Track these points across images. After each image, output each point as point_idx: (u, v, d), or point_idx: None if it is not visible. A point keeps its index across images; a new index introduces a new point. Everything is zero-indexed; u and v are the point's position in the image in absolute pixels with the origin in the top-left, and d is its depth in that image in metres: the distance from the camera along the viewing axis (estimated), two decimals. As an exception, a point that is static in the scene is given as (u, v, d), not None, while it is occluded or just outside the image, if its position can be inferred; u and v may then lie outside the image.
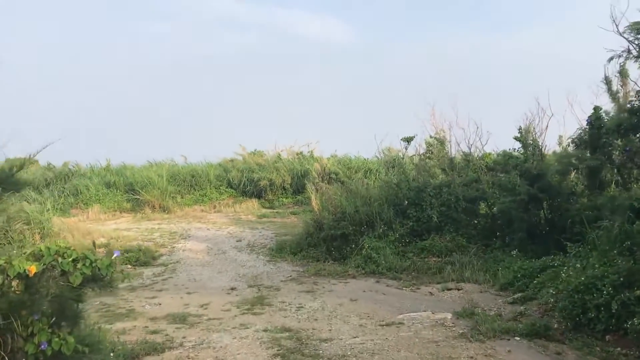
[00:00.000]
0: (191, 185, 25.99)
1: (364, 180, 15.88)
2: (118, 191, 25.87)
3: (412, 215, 12.99)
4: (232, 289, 10.80)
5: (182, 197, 25.21)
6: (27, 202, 17.63)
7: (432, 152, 15.66)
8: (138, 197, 24.33)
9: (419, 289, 10.33)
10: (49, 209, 15.64)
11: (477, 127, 13.56)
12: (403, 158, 14.99)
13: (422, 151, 17.35)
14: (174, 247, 15.68)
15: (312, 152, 28.45)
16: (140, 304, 9.81)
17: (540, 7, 54.92)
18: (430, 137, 14.08)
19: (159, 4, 62.09)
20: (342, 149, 27.93)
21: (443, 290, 10.06)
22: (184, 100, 53.82)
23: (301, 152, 28.27)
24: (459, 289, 10.11)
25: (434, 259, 12.18)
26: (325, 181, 22.50)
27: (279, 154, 27.84)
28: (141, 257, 14.11)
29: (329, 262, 12.80)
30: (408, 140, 14.13)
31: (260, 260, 13.65)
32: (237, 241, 16.27)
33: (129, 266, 13.74)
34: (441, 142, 13.78)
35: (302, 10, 62.99)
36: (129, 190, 25.30)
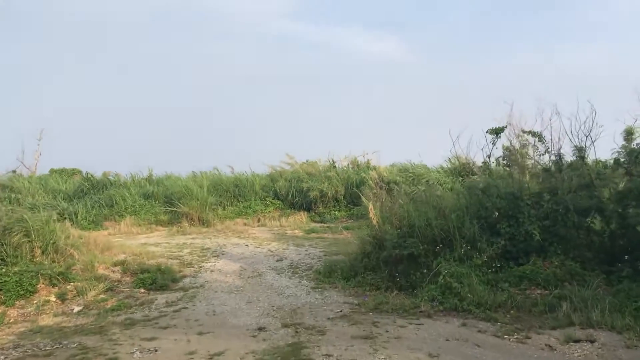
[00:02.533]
0: (234, 196, 23.48)
1: (435, 185, 12.69)
2: (156, 202, 23.67)
3: (505, 232, 9.72)
4: (260, 329, 7.86)
5: (223, 209, 22.71)
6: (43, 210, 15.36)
7: (519, 153, 12.32)
8: (175, 209, 21.92)
9: (528, 338, 7.05)
10: (55, 219, 13.19)
11: (587, 117, 10.10)
12: (486, 161, 11.56)
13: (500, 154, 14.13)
14: (201, 267, 12.93)
15: (368, 161, 25.41)
16: (130, 350, 7.01)
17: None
18: (524, 131, 10.73)
19: (220, 26, 61.64)
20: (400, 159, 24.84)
21: (567, 343, 6.77)
22: (239, 114, 52.85)
23: (356, 161, 25.27)
24: (591, 341, 6.79)
25: (539, 291, 8.88)
26: (384, 191, 19.41)
27: (332, 162, 24.92)
28: (159, 279, 11.42)
29: (392, 291, 9.68)
30: (497, 131, 10.86)
31: (303, 286, 10.67)
32: (277, 261, 13.37)
33: (142, 290, 11.09)
34: (539, 136, 10.43)
35: (361, 28, 61.38)
36: (167, 201, 22.97)
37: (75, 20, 59.40)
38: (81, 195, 25.01)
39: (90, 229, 21.10)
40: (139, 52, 61.81)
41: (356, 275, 10.69)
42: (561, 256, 9.40)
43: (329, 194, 21.60)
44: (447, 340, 7.06)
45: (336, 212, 21.45)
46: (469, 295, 8.59)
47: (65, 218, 21.85)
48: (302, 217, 21.39)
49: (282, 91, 57.32)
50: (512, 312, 8.26)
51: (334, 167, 24.65)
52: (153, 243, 16.90)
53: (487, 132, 11.11)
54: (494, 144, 11.05)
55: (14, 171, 32.45)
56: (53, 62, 60.31)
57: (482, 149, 11.81)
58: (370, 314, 8.52)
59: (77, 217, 21.97)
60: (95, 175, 27.90)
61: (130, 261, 13.02)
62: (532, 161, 10.83)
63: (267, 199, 23.34)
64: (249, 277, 11.68)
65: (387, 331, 7.50)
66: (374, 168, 22.94)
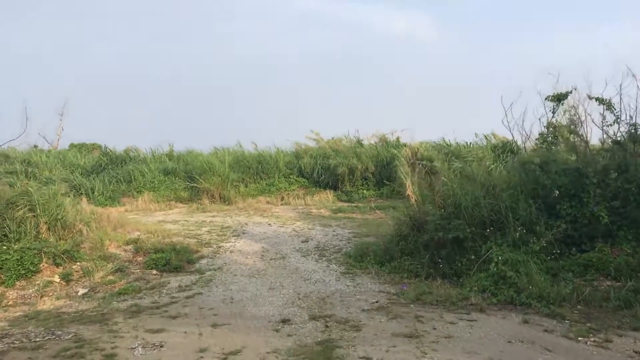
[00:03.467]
0: (257, 172, 22.36)
1: (483, 161, 11.37)
2: (176, 178, 22.72)
3: (566, 213, 8.40)
4: (284, 321, 6.73)
5: (245, 187, 21.66)
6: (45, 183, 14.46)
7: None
8: (196, 184, 20.92)
9: (609, 342, 5.79)
10: (64, 193, 12.24)
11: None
12: (543, 132, 10.06)
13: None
14: (220, 247, 11.87)
15: (398, 139, 24.03)
16: (132, 344, 5.95)
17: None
18: (590, 97, 9.27)
19: (244, 4, 60.37)
20: (430, 137, 23.42)
21: (660, 350, 5.51)
22: (262, 94, 51.76)
23: (385, 138, 23.93)
24: (692, 349, 5.52)
25: (608, 282, 7.59)
26: (416, 170, 18.11)
27: (359, 140, 23.63)
28: (173, 260, 10.39)
29: (434, 279, 8.49)
30: (559, 98, 9.43)
31: (332, 271, 9.52)
32: (302, 242, 12.24)
33: (154, 272, 10.09)
34: (607, 103, 8.99)
35: (385, 6, 59.44)
36: (187, 177, 21.98)
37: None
38: (99, 171, 24.18)
39: (107, 205, 20.26)
40: (161, 29, 60.82)
41: (392, 259, 9.50)
42: (633, 242, 8.06)
43: (358, 171, 20.33)
44: (510, 342, 5.83)
45: (364, 191, 20.22)
46: (528, 286, 7.34)
47: (81, 193, 21.11)
48: (328, 195, 20.22)
49: (307, 70, 55.92)
50: (579, 307, 7.00)
51: (361, 143, 23.34)
52: (170, 220, 15.93)
53: (546, 99, 9.70)
54: (554, 112, 9.64)
55: (35, 146, 31.93)
56: (77, 38, 59.63)
57: (539, 119, 10.41)
58: (412, 306, 7.32)
59: (93, 193, 21.17)
60: (115, 150, 27.11)
61: (144, 239, 12.04)
62: (600, 132, 9.42)
63: (291, 176, 22.20)
64: (271, 260, 10.58)
65: (434, 328, 6.31)
66: (405, 145, 21.58)
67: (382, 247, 9.85)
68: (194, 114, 48.46)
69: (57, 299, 8.52)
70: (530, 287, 7.28)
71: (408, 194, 9.50)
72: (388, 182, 20.03)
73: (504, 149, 18.63)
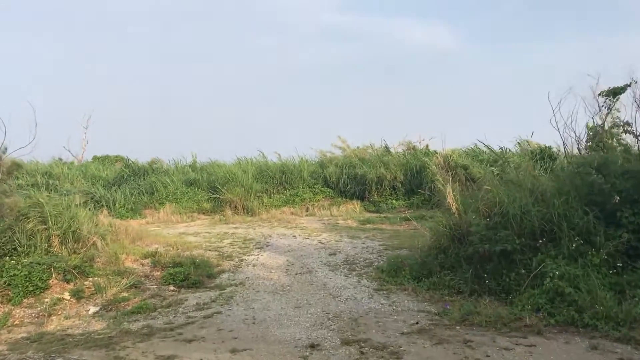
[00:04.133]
0: (281, 183, 21.64)
1: (529, 165, 10.43)
2: (199, 190, 22.12)
3: (628, 222, 7.42)
4: (313, 346, 5.90)
5: (269, 197, 20.96)
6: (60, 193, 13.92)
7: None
8: (219, 196, 20.29)
9: None
10: (78, 204, 11.63)
11: None
12: (598, 131, 9.08)
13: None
14: (242, 261, 11.11)
15: (427, 146, 23.13)
16: (138, 375, 5.19)
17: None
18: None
19: (268, 19, 60.34)
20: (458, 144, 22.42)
21: None
22: (286, 104, 51.40)
23: (412, 146, 23.04)
24: None
25: (684, 302, 6.59)
26: (450, 178, 17.16)
27: (386, 147, 22.78)
28: (192, 275, 9.67)
29: (480, 297, 7.58)
30: (615, 92, 8.43)
31: (364, 287, 8.67)
32: (330, 255, 11.41)
33: (171, 288, 9.37)
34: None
35: (406, 18, 58.87)
36: (210, 189, 21.37)
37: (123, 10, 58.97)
38: (121, 183, 23.71)
39: (128, 217, 19.77)
40: (186, 42, 61.00)
41: (430, 275, 8.61)
42: None
43: (387, 181, 19.45)
44: (581, 374, 4.92)
45: (393, 201, 19.32)
46: (590, 304, 6.39)
47: (102, 205, 20.66)
48: (355, 206, 19.38)
49: (330, 81, 55.44)
50: (655, 331, 6.03)
51: (389, 151, 22.48)
52: (192, 233, 15.25)
53: (600, 94, 8.74)
54: (609, 109, 8.66)
55: (59, 159, 31.78)
56: (100, 52, 60.11)
57: (592, 117, 9.46)
58: (458, 328, 6.43)
59: (114, 205, 20.70)
60: (137, 162, 26.71)
61: (162, 253, 11.36)
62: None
63: (316, 186, 21.43)
64: (297, 274, 9.78)
65: (487, 355, 5.42)
66: (435, 152, 20.66)
67: (418, 260, 8.97)
68: (217, 126, 48.14)
69: (66, 318, 7.85)
70: (596, 306, 6.32)
71: (448, 203, 8.62)
72: (419, 191, 19.16)
73: (542, 155, 17.63)
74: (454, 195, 8.67)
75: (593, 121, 9.07)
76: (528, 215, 7.77)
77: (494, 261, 7.83)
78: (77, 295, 8.82)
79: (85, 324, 7.42)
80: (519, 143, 21.62)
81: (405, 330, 6.34)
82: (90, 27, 59.45)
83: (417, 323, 6.63)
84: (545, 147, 18.02)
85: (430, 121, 52.70)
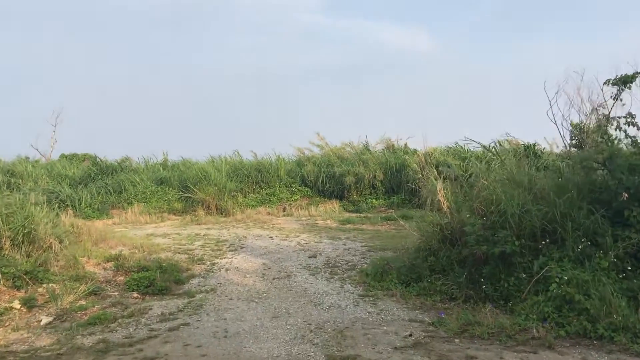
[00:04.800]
0: (257, 182, 20.81)
1: (523, 160, 9.81)
2: (170, 189, 21.14)
3: (636, 221, 6.79)
4: (294, 365, 5.12)
5: (244, 197, 20.12)
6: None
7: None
8: (190, 195, 19.33)
9: None
10: (33, 203, 10.61)
11: None
12: (603, 123, 8.42)
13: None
14: (214, 264, 10.26)
15: (406, 144, 22.49)
16: (87, 403, 4.33)
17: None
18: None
19: (248, 18, 59.24)
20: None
21: None
22: (263, 104, 50.46)
23: (392, 144, 22.38)
24: None
25: (703, 308, 5.97)
26: (432, 176, 16.54)
27: (366, 145, 22.08)
28: (158, 280, 8.79)
29: (476, 304, 6.89)
30: (625, 81, 7.75)
31: (348, 293, 7.90)
32: (310, 257, 10.62)
33: (135, 295, 8.49)
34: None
35: (389, 21, 58.53)
36: (182, 188, 20.39)
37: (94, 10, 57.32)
38: (88, 181, 22.58)
39: (94, 217, 18.73)
40: (167, 42, 59.59)
41: (419, 279, 7.89)
42: None
43: (366, 180, 18.74)
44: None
45: (373, 200, 18.62)
46: (603, 313, 5.73)
47: (67, 205, 19.56)
48: (334, 205, 18.63)
49: (309, 82, 54.67)
50: (676, 342, 5.39)
51: (368, 150, 21.79)
52: (161, 234, 14.32)
53: (605, 83, 8.09)
54: (616, 99, 8.01)
55: (26, 157, 30.38)
56: (70, 47, 58.32)
57: (595, 108, 8.89)
58: (457, 341, 5.71)
59: (80, 205, 19.61)
60: (106, 160, 25.55)
61: (127, 256, 10.45)
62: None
63: (293, 185, 20.63)
64: (274, 279, 8.97)
65: (495, 376, 4.70)
66: (415, 151, 20.05)
67: (406, 263, 8.24)
68: (191, 125, 46.95)
69: (14, 330, 6.93)
70: (611, 316, 5.66)
71: (438, 200, 7.91)
72: (398, 191, 18.52)
73: (527, 152, 17.09)
74: (444, 191, 7.96)
75: (579, 118, 8.60)
76: (528, 215, 7.09)
77: (490, 264, 7.14)
78: (29, 304, 7.87)
79: (33, 338, 6.51)
80: (499, 141, 21.12)
81: (399, 345, 5.59)
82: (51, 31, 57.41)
83: (410, 335, 5.89)
84: (530, 144, 17.49)
85: (408, 122, 52.41)
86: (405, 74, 54.46)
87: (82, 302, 8.03)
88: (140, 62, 57.55)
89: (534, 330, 5.73)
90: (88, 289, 8.42)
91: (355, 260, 10.10)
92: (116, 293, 8.60)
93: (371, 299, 7.52)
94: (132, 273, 9.36)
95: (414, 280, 7.95)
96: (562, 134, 9.30)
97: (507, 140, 20.91)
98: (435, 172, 16.67)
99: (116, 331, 6.48)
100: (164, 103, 52.64)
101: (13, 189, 20.14)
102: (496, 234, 7.03)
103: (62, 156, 31.40)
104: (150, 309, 7.53)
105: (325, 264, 9.98)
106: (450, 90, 48.37)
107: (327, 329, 6.23)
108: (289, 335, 6.02)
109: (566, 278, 6.22)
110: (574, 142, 12.76)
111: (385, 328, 6.18)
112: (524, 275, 6.80)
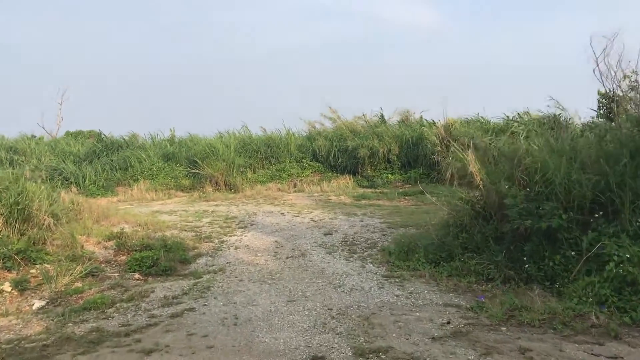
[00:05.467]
0: (266, 157, 19.96)
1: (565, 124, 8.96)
2: (178, 165, 20.38)
3: None
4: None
5: (254, 173, 19.30)
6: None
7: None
8: (198, 171, 18.57)
9: None
10: (30, 178, 9.90)
11: None
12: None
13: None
14: (222, 242, 9.53)
15: (421, 117, 21.50)
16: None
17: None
18: None
19: None
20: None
21: None
22: (266, 83, 49.41)
23: (408, 116, 21.42)
24: None
25: None
26: (452, 149, 15.64)
27: (382, 117, 21.14)
28: (162, 260, 8.07)
29: (518, 285, 6.09)
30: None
31: (371, 274, 7.12)
32: (325, 234, 9.85)
33: (137, 276, 7.78)
34: None
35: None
36: (190, 164, 19.62)
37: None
38: (93, 158, 21.85)
39: (98, 194, 18.06)
40: (161, 19, 58.43)
41: (450, 258, 7.09)
42: None
43: (380, 154, 17.85)
44: None
45: (389, 175, 17.75)
46: (677, 298, 4.91)
47: (71, 183, 18.92)
48: (347, 181, 17.79)
49: (312, 59, 53.37)
50: None
51: (384, 122, 20.85)
52: (167, 211, 13.61)
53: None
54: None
55: (33, 136, 29.78)
56: (78, 25, 57.35)
57: (627, 75, 7.99)
58: (504, 329, 4.91)
59: (84, 182, 18.93)
60: (112, 136, 24.82)
61: (129, 234, 9.73)
62: None
63: (304, 160, 19.78)
64: (288, 258, 8.21)
65: (560, 374, 3.91)
66: (433, 123, 19.10)
67: (435, 241, 7.42)
68: (200, 103, 46.10)
69: (3, 315, 6.27)
70: (685, 300, 4.85)
71: (470, 173, 7.06)
72: (414, 166, 17.66)
73: (551, 124, 16.16)
74: (476, 160, 7.11)
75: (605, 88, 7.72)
76: (579, 185, 6.24)
77: (533, 241, 6.32)
78: (20, 286, 7.19)
79: (22, 325, 5.81)
80: (518, 114, 20.15)
81: (436, 334, 4.80)
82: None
83: (448, 323, 5.10)
84: (554, 115, 16.53)
85: (421, 97, 51.29)
86: (412, 50, 53.11)
87: (78, 284, 7.34)
88: (149, 39, 56.57)
89: (593, 317, 4.92)
90: (85, 270, 7.71)
91: (375, 238, 9.31)
92: (116, 274, 7.89)
93: (397, 280, 6.74)
94: (134, 252, 8.64)
95: (444, 260, 7.15)
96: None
97: (527, 113, 19.99)
98: (460, 145, 15.81)
99: (112, 318, 5.76)
100: (172, 81, 51.77)
101: (15, 166, 19.56)
102: (541, 207, 6.19)
103: (68, 133, 30.73)
104: (153, 291, 6.81)
105: (342, 241, 9.20)
106: (461, 67, 46.87)
107: (350, 315, 5.46)
108: (307, 323, 5.26)
109: (627, 256, 5.39)
110: (601, 112, 11.90)
111: (417, 314, 5.40)
112: (572, 253, 5.98)
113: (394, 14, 56.22)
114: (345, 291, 6.34)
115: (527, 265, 6.22)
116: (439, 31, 53.48)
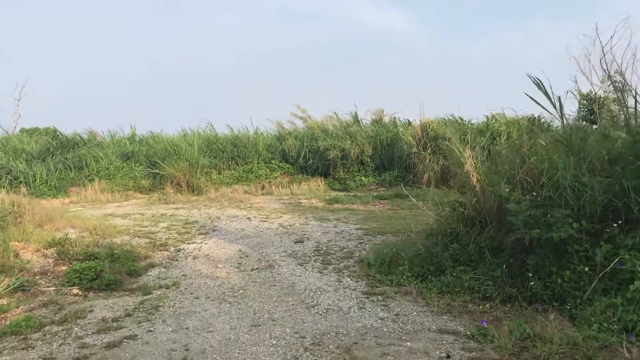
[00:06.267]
0: (232, 157, 18.92)
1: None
2: (137, 165, 19.13)
3: None
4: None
5: (219, 174, 18.25)
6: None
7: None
8: (158, 171, 17.39)
9: None
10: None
11: None
12: None
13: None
14: (179, 251, 8.45)
15: (394, 118, 20.70)
16: None
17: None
18: None
19: None
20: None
21: None
22: (237, 84, 48.14)
23: (381, 116, 20.60)
24: None
25: None
26: (429, 150, 14.88)
27: (355, 116, 20.26)
28: (106, 271, 6.96)
29: (521, 305, 5.21)
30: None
31: (349, 290, 6.15)
32: (295, 242, 8.86)
33: (75, 291, 6.65)
34: None
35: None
36: (150, 164, 18.41)
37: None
38: (46, 156, 20.41)
39: (49, 195, 16.76)
40: (131, 16, 56.58)
41: (440, 271, 6.18)
42: None
43: (353, 155, 16.96)
44: None
45: (362, 178, 16.88)
46: None
47: (20, 182, 17.54)
48: (318, 183, 16.86)
49: (282, 61, 52.36)
50: None
51: (358, 121, 19.97)
52: (121, 214, 12.43)
53: None
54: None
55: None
56: (37, 21, 55.04)
57: (610, 75, 7.26)
58: (519, 366, 4.01)
59: (34, 182, 17.54)
60: (66, 133, 23.37)
61: (74, 240, 8.56)
62: None
63: (273, 161, 18.78)
64: (253, 270, 7.19)
65: None
66: (409, 123, 18.31)
67: (421, 251, 6.50)
68: (165, 103, 44.57)
69: None
70: None
71: (467, 171, 6.16)
72: (389, 168, 16.82)
73: (533, 125, 15.53)
74: (473, 160, 6.21)
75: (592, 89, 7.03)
76: (589, 188, 5.39)
77: (537, 253, 5.44)
78: None
79: None
80: (494, 115, 19.54)
81: (436, 374, 3.86)
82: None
83: (448, 357, 4.16)
84: (534, 116, 15.90)
85: (392, 99, 50.76)
86: (381, 52, 52.58)
87: (4, 301, 6.18)
88: (115, 39, 54.71)
89: (623, 349, 4.04)
90: (14, 284, 6.54)
91: (351, 246, 8.35)
92: (52, 288, 6.76)
93: (380, 298, 5.79)
94: (76, 262, 7.50)
95: (432, 274, 6.24)
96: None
97: (502, 115, 19.38)
98: (431, 147, 15.02)
99: (34, 348, 4.64)
100: (137, 79, 50.04)
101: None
102: (549, 214, 5.32)
103: (23, 130, 29.07)
104: (91, 311, 5.71)
105: (315, 250, 8.22)
106: (430, 69, 46.50)
107: (327, 345, 4.47)
108: (275, 357, 4.25)
109: (650, 271, 4.55)
110: (582, 114, 11.33)
111: (409, 344, 4.44)
112: (586, 269, 5.11)
113: (366, 16, 55.57)
114: (320, 312, 5.36)
115: (532, 283, 5.34)
116: (410, 34, 53.09)
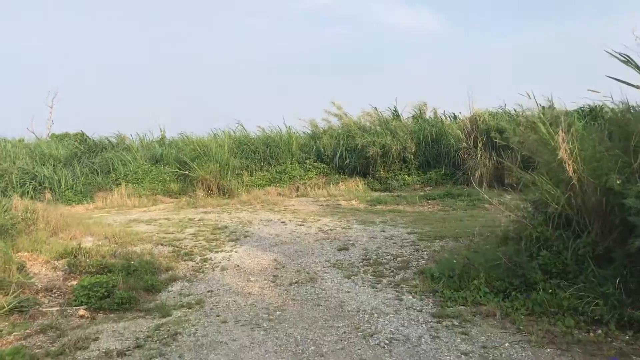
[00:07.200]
0: (265, 158, 17.82)
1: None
2: (166, 168, 18.20)
3: None
4: None
5: (250, 175, 17.16)
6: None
7: None
8: (188, 173, 16.42)
9: None
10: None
11: None
12: None
13: None
14: (206, 261, 7.33)
15: (436, 112, 19.30)
16: None
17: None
18: None
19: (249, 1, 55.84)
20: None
21: None
22: (269, 90, 47.32)
23: (423, 112, 19.22)
24: None
25: None
26: (480, 145, 13.50)
27: (395, 111, 18.93)
28: (120, 287, 5.88)
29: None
30: None
31: (414, 311, 4.91)
32: (339, 250, 7.65)
33: (82, 311, 5.58)
34: None
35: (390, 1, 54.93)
36: (180, 166, 17.47)
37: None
38: (74, 161, 19.68)
39: (75, 201, 15.91)
40: (165, 26, 56.33)
41: (527, 286, 4.89)
42: None
43: (394, 152, 15.65)
44: None
45: (405, 176, 15.56)
46: None
47: (45, 188, 16.77)
48: (357, 183, 15.62)
49: (311, 68, 51.35)
50: None
51: (398, 116, 18.64)
52: (146, 219, 11.43)
53: None
54: None
55: (21, 140, 27.74)
56: (66, 27, 55.23)
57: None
58: None
59: (60, 187, 16.77)
60: (94, 137, 22.72)
61: (89, 250, 7.55)
62: None
63: (307, 161, 17.61)
64: (291, 284, 6.00)
65: None
66: (455, 117, 16.93)
67: (501, 261, 5.21)
68: (193, 105, 44.02)
69: None
70: None
71: (562, 159, 4.88)
72: (435, 166, 15.47)
73: (593, 116, 14.05)
74: (569, 145, 4.91)
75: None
76: None
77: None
78: None
79: None
80: (543, 107, 17.98)
81: None
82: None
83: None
84: (596, 105, 14.40)
85: (428, 97, 49.30)
86: (414, 54, 51.09)
87: (-2, 324, 5.15)
88: (140, 41, 54.56)
89: None
90: (10, 304, 5.52)
91: (405, 254, 7.10)
92: (55, 308, 5.70)
93: (456, 322, 4.53)
94: (85, 276, 6.46)
95: (517, 289, 4.95)
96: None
97: (550, 108, 17.85)
98: (482, 141, 13.66)
99: (11, 396, 3.55)
100: (168, 83, 49.64)
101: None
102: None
103: (53, 136, 28.73)
104: (96, 339, 4.61)
105: (363, 259, 6.99)
106: (465, 68, 44.75)
107: (399, 396, 3.25)
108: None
109: None
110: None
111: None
112: None
113: (394, 18, 54.10)
114: (382, 344, 4.13)
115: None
116: (440, 34, 51.45)
